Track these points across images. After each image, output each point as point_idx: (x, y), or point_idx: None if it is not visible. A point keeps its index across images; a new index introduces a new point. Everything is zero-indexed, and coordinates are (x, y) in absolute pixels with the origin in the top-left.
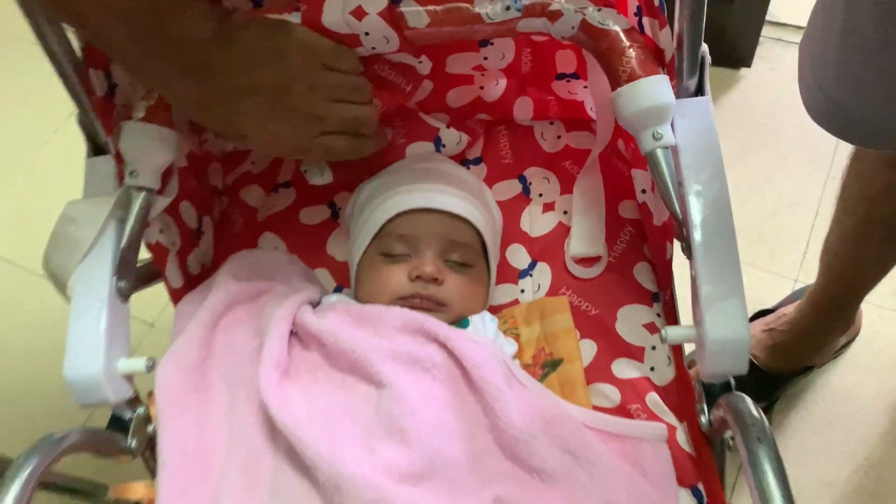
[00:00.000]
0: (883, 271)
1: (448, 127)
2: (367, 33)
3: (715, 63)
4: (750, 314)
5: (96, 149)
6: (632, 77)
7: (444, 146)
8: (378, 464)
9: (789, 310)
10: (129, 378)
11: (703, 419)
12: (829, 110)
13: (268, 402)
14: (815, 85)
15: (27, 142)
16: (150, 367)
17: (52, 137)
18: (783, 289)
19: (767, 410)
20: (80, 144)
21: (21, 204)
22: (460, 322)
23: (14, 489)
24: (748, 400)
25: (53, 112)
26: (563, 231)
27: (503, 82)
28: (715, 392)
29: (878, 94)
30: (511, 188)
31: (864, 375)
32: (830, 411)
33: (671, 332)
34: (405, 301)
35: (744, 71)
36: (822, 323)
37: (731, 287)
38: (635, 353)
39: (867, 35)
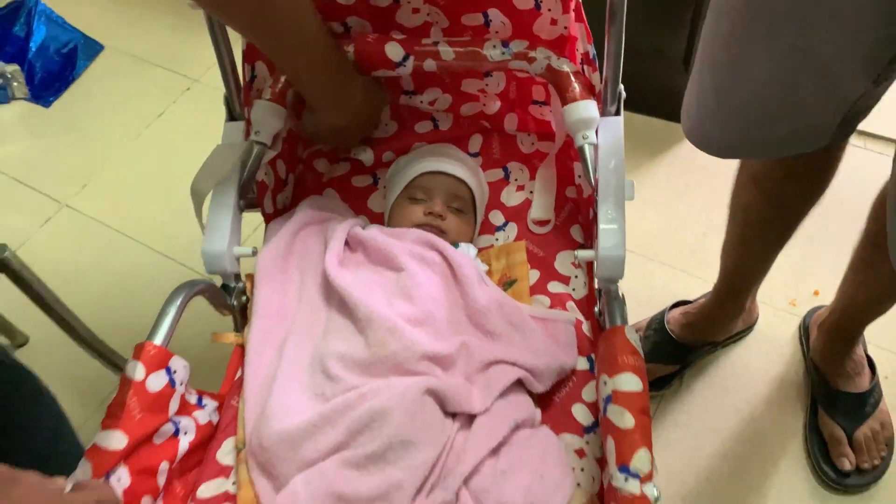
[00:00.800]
0: (762, 267)
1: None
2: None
3: (670, 118)
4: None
5: (230, 116)
6: (574, 99)
7: (438, 124)
8: (394, 311)
9: (702, 300)
10: (238, 260)
11: (596, 309)
12: (696, 128)
13: (329, 273)
14: (695, 103)
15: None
16: (253, 254)
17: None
18: (705, 289)
19: (680, 374)
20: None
21: (123, 174)
22: (454, 244)
23: (175, 304)
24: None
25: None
26: (527, 204)
27: (498, 103)
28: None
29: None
30: (497, 174)
31: (755, 355)
32: (727, 379)
33: (580, 254)
34: (420, 227)
35: None
36: (721, 307)
37: (615, 224)
38: (564, 280)
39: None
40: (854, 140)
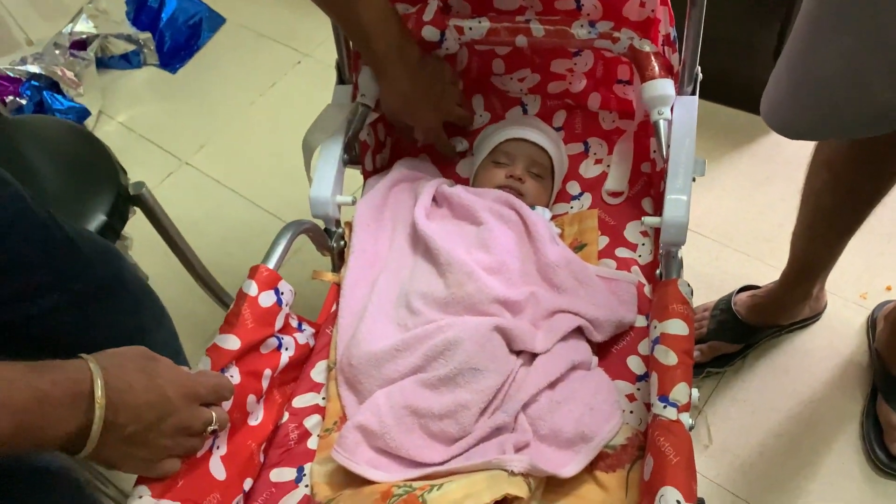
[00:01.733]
0: (830, 253)
1: (527, 94)
2: None
3: (756, 112)
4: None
5: (340, 80)
6: (652, 77)
7: (527, 109)
8: (472, 259)
9: (770, 284)
10: (339, 207)
11: (657, 272)
12: (772, 110)
13: (417, 224)
14: (782, 90)
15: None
16: (352, 203)
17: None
18: (775, 278)
19: (743, 353)
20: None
21: (237, 138)
22: (531, 206)
23: (286, 236)
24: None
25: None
26: (604, 176)
27: (584, 81)
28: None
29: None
30: (577, 148)
31: (819, 342)
32: (788, 362)
33: (647, 220)
34: (501, 188)
35: None
36: (788, 292)
37: (682, 195)
38: (631, 247)
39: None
40: None
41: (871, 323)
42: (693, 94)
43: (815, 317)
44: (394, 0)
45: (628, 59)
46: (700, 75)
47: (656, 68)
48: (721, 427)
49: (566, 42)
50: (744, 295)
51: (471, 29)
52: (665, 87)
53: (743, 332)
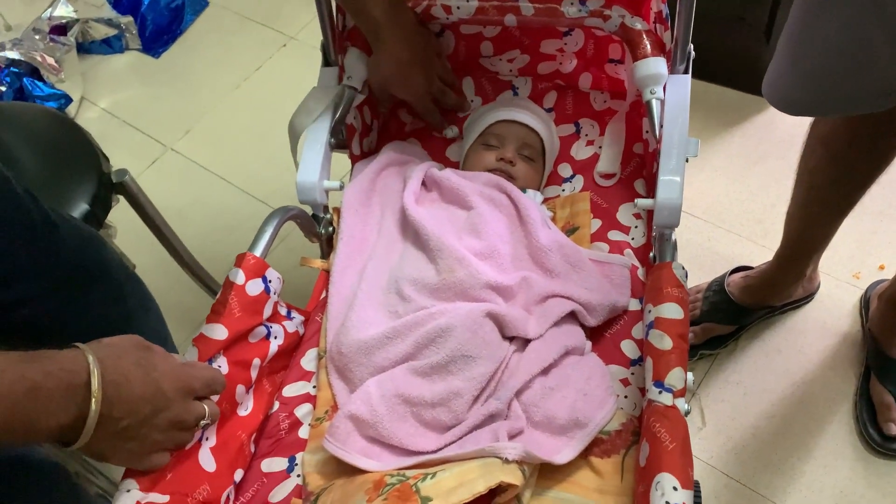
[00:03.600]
0: (824, 233)
1: (518, 76)
2: None
3: (748, 90)
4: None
5: (326, 62)
6: (644, 55)
7: (518, 91)
8: (463, 244)
9: (763, 265)
10: (326, 193)
11: (651, 255)
12: (772, 85)
13: (407, 209)
14: (785, 69)
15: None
16: (340, 188)
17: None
18: (768, 258)
19: (736, 335)
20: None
21: (222, 123)
22: (522, 190)
23: (273, 223)
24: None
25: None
26: (595, 158)
27: (575, 61)
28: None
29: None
30: (568, 129)
31: (812, 323)
32: (782, 343)
33: (640, 202)
34: (491, 171)
35: None
36: (781, 272)
37: (674, 175)
38: (624, 229)
39: None
40: None
41: (865, 302)
42: (686, 72)
43: (808, 297)
44: None
45: (619, 38)
46: (693, 53)
47: (648, 46)
48: (714, 409)
49: (556, 20)
50: (737, 276)
51: (459, 8)
52: (657, 65)
53: (736, 314)
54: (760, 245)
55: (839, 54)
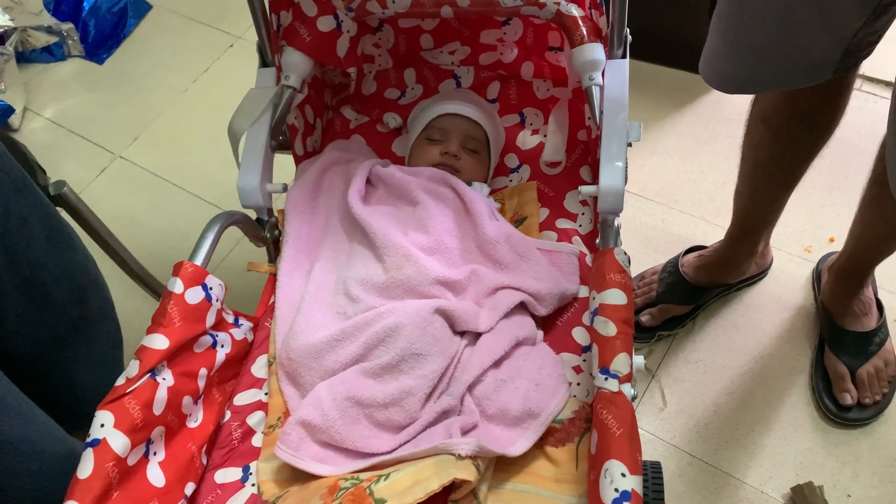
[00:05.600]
0: (772, 208)
1: (459, 66)
2: None
3: (694, 70)
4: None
5: (263, 63)
6: (581, 42)
7: (461, 81)
8: (409, 241)
9: (716, 244)
10: (270, 195)
11: (597, 241)
12: (707, 64)
13: (352, 207)
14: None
15: (179, 81)
16: (283, 190)
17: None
18: (719, 236)
19: (693, 314)
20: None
21: (172, 127)
22: (468, 183)
23: (213, 230)
24: None
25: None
26: (541, 147)
27: (515, 51)
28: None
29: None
30: (513, 119)
31: (767, 298)
32: (738, 319)
33: (584, 189)
34: (436, 166)
35: None
36: (733, 249)
37: (615, 161)
38: (571, 217)
39: None
40: (871, 89)
41: (817, 275)
42: (623, 57)
43: (761, 273)
44: None
45: (556, 25)
46: (629, 37)
47: (584, 32)
48: (675, 389)
49: (492, 10)
50: (691, 256)
51: (394, 2)
52: (594, 51)
53: (692, 293)
54: (714, 224)
55: (770, 31)
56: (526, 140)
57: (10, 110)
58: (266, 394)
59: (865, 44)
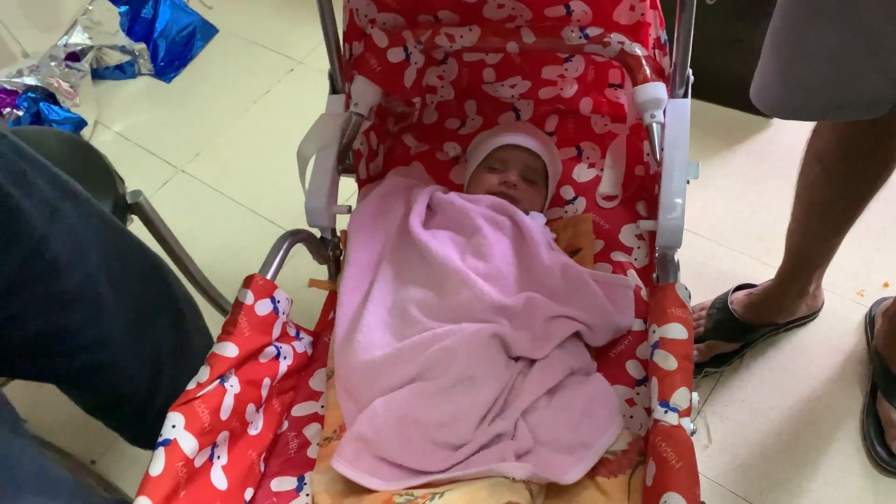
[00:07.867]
0: (825, 248)
1: (519, 99)
2: None
3: (748, 109)
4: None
5: (333, 90)
6: (644, 81)
7: (520, 113)
8: (467, 266)
9: (766, 283)
10: (335, 216)
11: (654, 276)
12: (760, 91)
13: (413, 230)
14: (774, 72)
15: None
16: (347, 212)
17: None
18: (770, 276)
19: (741, 352)
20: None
21: (232, 145)
22: (525, 212)
23: (283, 246)
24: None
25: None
26: (597, 180)
27: (575, 86)
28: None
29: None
30: (570, 152)
31: (817, 340)
32: (787, 360)
33: (642, 223)
34: (495, 194)
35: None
36: (783, 289)
37: (675, 197)
38: (626, 250)
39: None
40: None
41: (870, 320)
42: (685, 96)
43: (812, 315)
44: (383, 9)
45: (619, 63)
46: (692, 77)
47: (647, 72)
48: (720, 427)
49: (557, 47)
50: (740, 293)
51: (462, 36)
52: (657, 90)
53: (740, 331)
54: (763, 262)
55: (822, 67)
56: (582, 173)
57: (82, 123)
58: (323, 406)
59: None
